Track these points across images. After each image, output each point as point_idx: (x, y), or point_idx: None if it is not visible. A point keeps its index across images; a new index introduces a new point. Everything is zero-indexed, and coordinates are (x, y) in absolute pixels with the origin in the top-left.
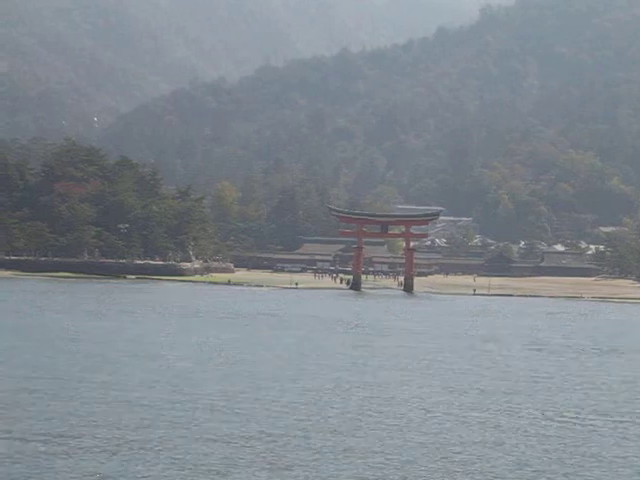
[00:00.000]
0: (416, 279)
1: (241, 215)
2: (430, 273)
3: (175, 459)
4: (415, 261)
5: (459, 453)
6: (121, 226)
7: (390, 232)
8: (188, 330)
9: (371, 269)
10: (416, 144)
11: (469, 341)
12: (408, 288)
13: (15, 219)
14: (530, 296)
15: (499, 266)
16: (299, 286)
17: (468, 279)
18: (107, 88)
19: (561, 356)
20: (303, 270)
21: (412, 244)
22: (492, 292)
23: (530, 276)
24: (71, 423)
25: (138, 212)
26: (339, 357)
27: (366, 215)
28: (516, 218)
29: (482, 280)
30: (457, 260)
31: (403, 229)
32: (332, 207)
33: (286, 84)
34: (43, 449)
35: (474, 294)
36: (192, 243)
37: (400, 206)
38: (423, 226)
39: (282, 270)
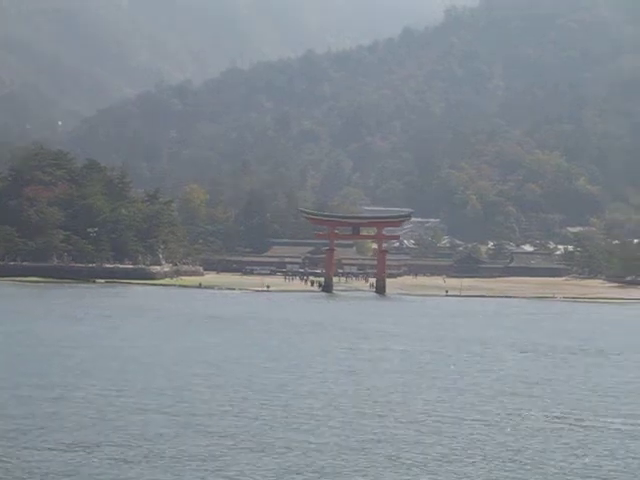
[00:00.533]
0: (373, 280)
1: (209, 217)
2: (399, 274)
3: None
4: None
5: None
6: (90, 230)
7: (362, 234)
8: (172, 334)
9: (340, 271)
10: (382, 146)
11: (454, 343)
12: (380, 290)
13: None
14: (502, 297)
15: (468, 267)
16: (271, 289)
17: (437, 280)
18: (71, 92)
19: (552, 358)
20: (272, 273)
21: (383, 246)
22: (464, 293)
23: (499, 277)
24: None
25: (107, 215)
26: (330, 360)
27: (338, 217)
28: (484, 219)
29: (452, 281)
30: (426, 261)
31: (375, 231)
32: (303, 209)
33: (252, 86)
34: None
35: (446, 295)
36: (162, 246)
37: (367, 207)
38: (394, 228)
39: (251, 273)
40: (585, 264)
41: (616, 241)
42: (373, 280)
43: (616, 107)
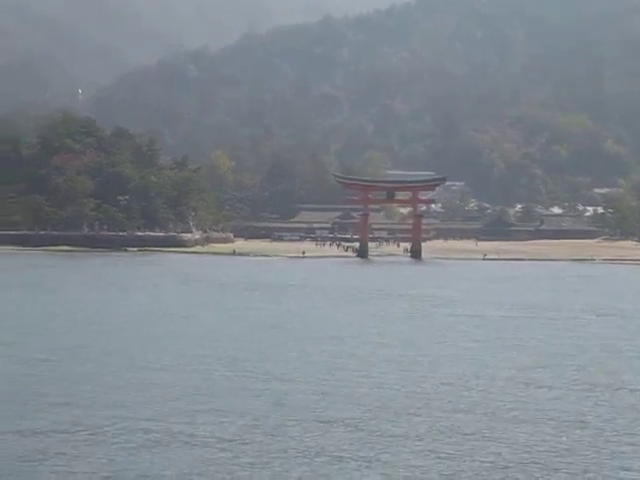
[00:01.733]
0: (407, 244)
1: (236, 184)
2: (429, 238)
3: None
4: (409, 227)
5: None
6: (121, 198)
7: (397, 198)
8: (243, 303)
9: (370, 236)
10: (402, 109)
11: (523, 308)
12: (416, 255)
13: (12, 193)
14: (541, 259)
15: (498, 230)
16: (306, 255)
17: (469, 244)
18: (86, 60)
19: (631, 320)
20: (302, 238)
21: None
22: (502, 257)
23: (530, 239)
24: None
25: (137, 183)
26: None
27: (372, 181)
28: (510, 181)
29: (483, 244)
30: (454, 225)
31: (409, 195)
32: (336, 174)
33: (269, 52)
34: None
35: (484, 259)
36: (192, 214)
37: (390, 172)
38: (429, 191)
39: (280, 239)
40: (617, 225)
41: None
42: (406, 245)
43: (635, 67)
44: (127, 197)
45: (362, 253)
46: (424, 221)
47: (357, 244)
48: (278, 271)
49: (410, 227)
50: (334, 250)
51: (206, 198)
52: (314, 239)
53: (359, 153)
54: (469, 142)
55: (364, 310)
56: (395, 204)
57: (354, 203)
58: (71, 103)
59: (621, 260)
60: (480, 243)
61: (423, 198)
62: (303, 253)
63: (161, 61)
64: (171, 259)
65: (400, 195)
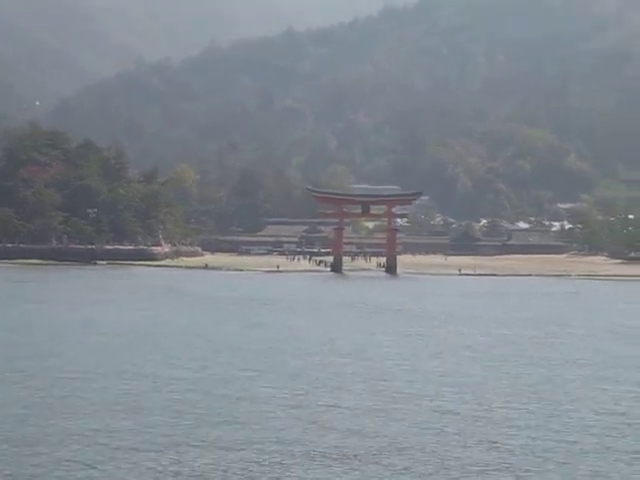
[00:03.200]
0: (381, 259)
1: (200, 198)
2: (397, 253)
3: None
4: (377, 241)
5: None
6: (90, 211)
7: (371, 212)
8: (245, 319)
9: None
10: (366, 123)
11: (528, 326)
12: (391, 269)
13: None
14: (516, 275)
15: (464, 245)
16: (280, 269)
17: (436, 258)
18: (47, 71)
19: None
20: (269, 252)
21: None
22: (477, 272)
23: (497, 254)
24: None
25: (105, 196)
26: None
27: (347, 195)
28: (475, 196)
29: (452, 259)
30: (420, 239)
31: (384, 209)
32: (310, 187)
33: (232, 65)
34: None
35: (460, 274)
36: (161, 227)
37: (355, 185)
38: (404, 206)
39: (248, 253)
40: (585, 241)
41: (613, 218)
42: (380, 260)
43: (601, 83)
44: (96, 210)
45: (336, 267)
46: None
47: (329, 258)
48: (261, 285)
49: (378, 241)
50: (306, 264)
51: (174, 212)
52: (282, 253)
53: (323, 167)
54: (433, 157)
55: (391, 328)
56: (364, 218)
57: (328, 217)
58: (31, 114)
59: (594, 275)
60: (449, 258)
61: (397, 212)
62: (277, 267)
63: (123, 73)
64: (145, 273)
65: (374, 209)
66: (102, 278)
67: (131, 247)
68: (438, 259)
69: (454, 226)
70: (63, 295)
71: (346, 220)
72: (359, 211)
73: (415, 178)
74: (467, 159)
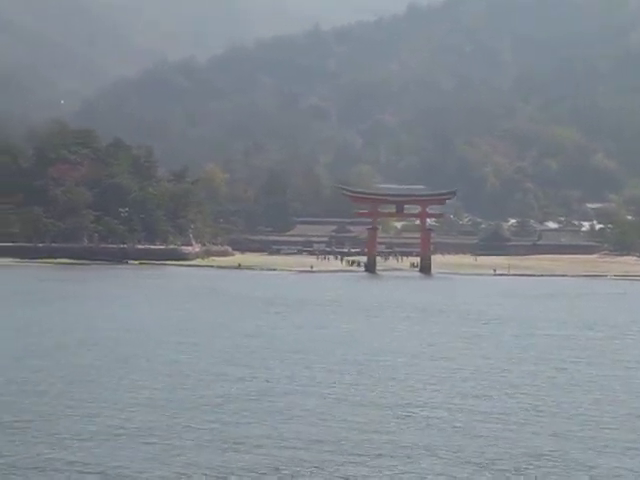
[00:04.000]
0: (414, 259)
1: (230, 197)
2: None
3: None
4: (406, 240)
5: None
6: (122, 210)
7: (405, 212)
8: (294, 321)
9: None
10: (392, 122)
11: (591, 327)
12: (425, 270)
13: (9, 204)
14: (552, 275)
15: (494, 245)
16: (314, 269)
17: (465, 258)
18: (68, 73)
19: None
20: (299, 252)
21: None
22: (512, 272)
23: (527, 254)
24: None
25: (136, 195)
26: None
27: (381, 195)
28: (503, 196)
29: (481, 259)
30: (449, 239)
31: (418, 209)
32: (344, 187)
33: (256, 64)
34: None
35: (495, 274)
36: (191, 226)
37: (382, 185)
38: (438, 205)
39: (278, 252)
40: (617, 241)
41: None
42: (413, 260)
43: (629, 83)
44: (127, 209)
45: (370, 268)
46: (418, 235)
47: (361, 258)
48: (299, 286)
49: (407, 241)
50: (338, 264)
51: (203, 211)
52: (312, 253)
53: (349, 166)
54: (461, 156)
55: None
56: (395, 218)
57: (361, 216)
58: (55, 114)
59: (631, 276)
60: (478, 258)
61: (431, 212)
62: (311, 267)
63: (146, 72)
64: (179, 273)
65: (408, 209)
66: (141, 278)
67: (162, 247)
68: (467, 259)
69: (483, 226)
70: (113, 294)
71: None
72: (393, 211)
73: (442, 178)
74: (495, 158)
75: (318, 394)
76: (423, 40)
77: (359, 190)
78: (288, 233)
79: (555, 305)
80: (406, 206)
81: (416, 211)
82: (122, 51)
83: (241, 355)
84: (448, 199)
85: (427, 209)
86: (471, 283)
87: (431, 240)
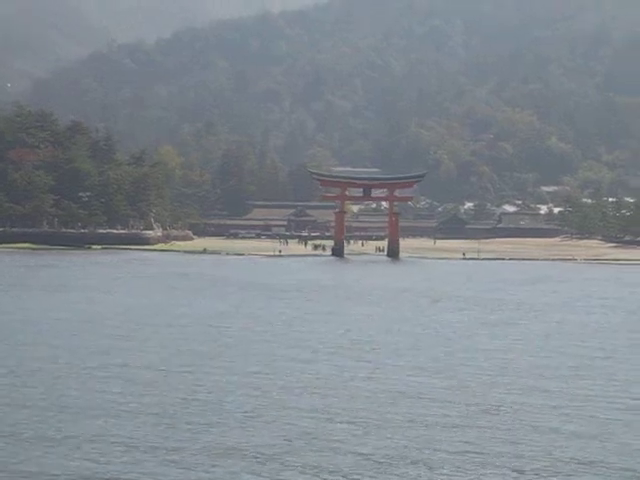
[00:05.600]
0: (378, 243)
1: (184, 180)
2: (384, 237)
3: None
4: (363, 224)
5: None
6: (82, 194)
7: (373, 196)
8: (304, 307)
9: (327, 234)
10: (344, 105)
11: (615, 311)
12: (393, 254)
13: None
14: (522, 259)
15: (454, 228)
16: (282, 254)
17: (425, 242)
18: (18, 52)
19: None
20: (258, 236)
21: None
22: (482, 256)
23: (486, 238)
24: None
25: (95, 179)
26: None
27: (350, 178)
28: (458, 179)
29: (441, 243)
30: (406, 223)
31: (386, 192)
32: (312, 170)
33: (206, 45)
34: None
35: (464, 258)
36: (153, 211)
37: (337, 169)
38: (406, 189)
39: (235, 236)
40: (578, 224)
41: (602, 200)
42: (379, 244)
43: (579, 66)
44: (89, 193)
45: (338, 252)
46: (376, 219)
47: (324, 242)
48: (280, 270)
49: (365, 225)
50: (302, 248)
51: (163, 195)
52: (270, 237)
53: (301, 149)
54: (414, 138)
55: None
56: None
57: (329, 200)
58: (1, 96)
59: (600, 260)
60: (437, 241)
61: (400, 196)
62: (280, 252)
63: (95, 54)
64: (147, 257)
65: (376, 193)
66: (113, 264)
67: (124, 231)
68: (427, 243)
69: (439, 209)
70: (100, 281)
71: (332, 204)
72: (360, 194)
73: (395, 161)
74: (448, 141)
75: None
76: (374, 23)
77: (326, 174)
78: (245, 217)
79: (557, 290)
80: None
81: (382, 194)
82: (74, 32)
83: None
84: (416, 182)
85: (395, 193)
86: (447, 267)
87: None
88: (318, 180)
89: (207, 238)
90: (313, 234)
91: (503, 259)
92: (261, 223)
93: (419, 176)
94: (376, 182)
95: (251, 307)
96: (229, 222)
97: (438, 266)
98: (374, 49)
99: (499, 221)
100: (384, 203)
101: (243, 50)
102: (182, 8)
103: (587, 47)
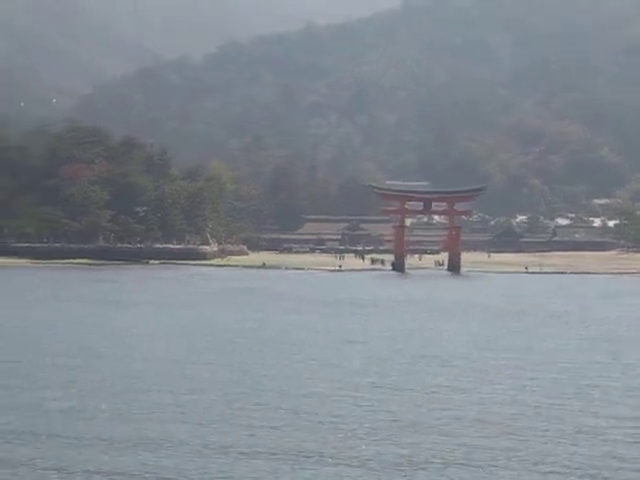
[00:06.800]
0: (437, 257)
1: (235, 195)
2: (438, 251)
3: None
4: (417, 238)
5: None
6: (139, 209)
7: (434, 209)
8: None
9: (381, 248)
10: (389, 118)
11: None
12: (454, 268)
13: (23, 204)
14: (586, 273)
15: (507, 241)
16: (342, 268)
17: (479, 256)
18: (61, 70)
19: None
20: (311, 250)
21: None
22: (544, 270)
23: (541, 251)
24: None
25: (151, 194)
26: None
27: (410, 192)
28: (509, 192)
29: (496, 256)
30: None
31: (445, 206)
32: (372, 184)
33: (251, 60)
34: None
35: (527, 272)
36: (208, 225)
37: (388, 182)
38: (466, 202)
39: (290, 251)
40: (634, 237)
41: None
42: (438, 257)
43: (629, 76)
44: (145, 208)
45: (399, 266)
46: (430, 233)
47: (382, 256)
48: (347, 286)
49: (419, 239)
50: (360, 262)
51: (218, 209)
52: (324, 251)
53: (348, 163)
54: (462, 151)
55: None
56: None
57: (389, 214)
58: (48, 112)
59: None
60: (493, 255)
61: (459, 209)
62: (340, 267)
63: (141, 70)
64: (207, 273)
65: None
66: (180, 279)
67: (180, 246)
68: (481, 257)
69: (491, 223)
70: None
71: (385, 218)
72: (420, 208)
73: (445, 173)
74: (498, 154)
75: None
76: (418, 35)
77: (386, 188)
78: (298, 231)
79: (618, 303)
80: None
81: (442, 208)
82: (118, 49)
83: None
84: (476, 195)
85: (454, 206)
86: (515, 281)
87: (442, 238)
88: (378, 194)
89: (261, 252)
90: (367, 248)
91: (565, 272)
92: (314, 237)
93: (479, 189)
94: (436, 195)
95: (354, 324)
96: (281, 236)
97: (504, 280)
98: (417, 61)
99: (554, 234)
100: (436, 217)
101: (288, 64)
102: (223, 23)
103: (635, 57)
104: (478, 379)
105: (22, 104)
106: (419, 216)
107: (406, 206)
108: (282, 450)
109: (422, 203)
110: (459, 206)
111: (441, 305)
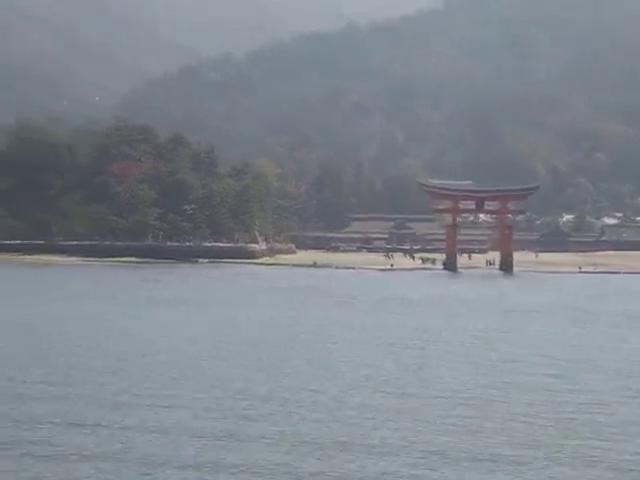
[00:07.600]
0: (489, 256)
1: (280, 192)
2: (485, 250)
3: None
4: (462, 237)
5: None
6: (187, 207)
7: (486, 208)
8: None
9: (428, 247)
10: (433, 117)
11: None
12: (507, 268)
13: (71, 202)
14: (637, 273)
15: (555, 241)
16: (394, 267)
17: (526, 255)
18: (104, 69)
19: None
20: (359, 249)
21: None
22: (598, 270)
23: (589, 251)
24: None
25: (199, 192)
26: None
27: (462, 191)
28: (554, 191)
29: (543, 256)
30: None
31: (498, 205)
32: (423, 182)
33: (294, 59)
34: None
35: (580, 272)
36: (256, 224)
37: (436, 181)
38: (519, 201)
39: (337, 249)
40: None
41: None
42: (489, 257)
43: None
44: (194, 206)
45: (451, 266)
46: (477, 232)
47: (432, 255)
48: (404, 285)
49: (465, 237)
50: (410, 262)
51: (265, 207)
52: (371, 249)
53: (393, 162)
54: (507, 150)
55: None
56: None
57: (440, 212)
58: (90, 111)
59: None
60: (539, 254)
61: (512, 208)
62: (392, 265)
63: (182, 69)
64: (256, 271)
65: (488, 205)
66: (231, 278)
67: (230, 244)
68: (529, 256)
69: (537, 222)
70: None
71: (430, 217)
72: (472, 207)
73: (489, 172)
74: (544, 152)
75: None
76: (462, 33)
77: (437, 186)
78: (345, 230)
79: None
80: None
81: (494, 208)
82: (156, 48)
83: None
84: (529, 194)
85: (508, 205)
86: (573, 281)
87: (489, 237)
88: (428, 192)
89: (308, 251)
90: (415, 247)
91: (618, 272)
92: (360, 236)
93: (533, 188)
94: (489, 194)
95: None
96: (329, 234)
97: (561, 280)
98: (461, 59)
99: (602, 233)
100: (482, 216)
101: (331, 62)
102: (264, 21)
103: None
104: None
105: (65, 102)
106: (465, 215)
107: (460, 205)
108: None
109: (474, 202)
110: (511, 205)
111: (506, 305)
